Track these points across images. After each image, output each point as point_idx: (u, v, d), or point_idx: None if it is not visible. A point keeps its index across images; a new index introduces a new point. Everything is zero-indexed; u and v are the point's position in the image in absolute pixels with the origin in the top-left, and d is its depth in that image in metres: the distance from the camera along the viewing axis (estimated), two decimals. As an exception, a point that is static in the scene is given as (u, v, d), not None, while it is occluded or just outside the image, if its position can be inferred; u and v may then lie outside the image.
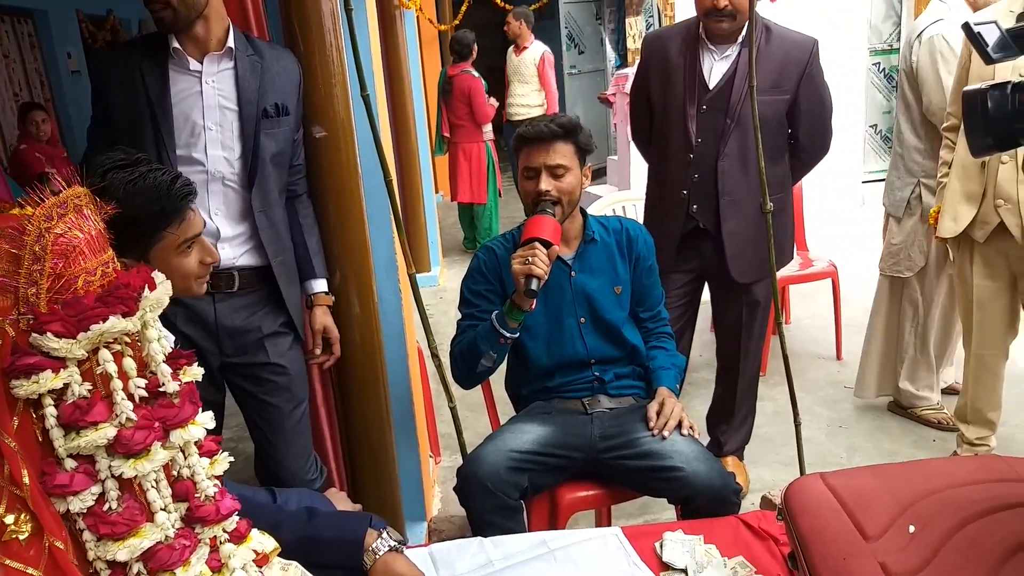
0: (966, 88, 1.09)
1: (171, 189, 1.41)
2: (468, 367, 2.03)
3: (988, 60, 1.04)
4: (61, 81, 6.29)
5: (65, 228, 0.89)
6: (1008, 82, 1.04)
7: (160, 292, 0.98)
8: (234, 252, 1.84)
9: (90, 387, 0.90)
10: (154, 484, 0.93)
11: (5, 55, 5.79)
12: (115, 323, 0.89)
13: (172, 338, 1.00)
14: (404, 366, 2.36)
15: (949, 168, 2.49)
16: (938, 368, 3.08)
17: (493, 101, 5.86)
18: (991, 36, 1.01)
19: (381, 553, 1.41)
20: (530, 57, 6.09)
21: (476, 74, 5.77)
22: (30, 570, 0.85)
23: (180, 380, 0.98)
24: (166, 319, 1.75)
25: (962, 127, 2.32)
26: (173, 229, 1.41)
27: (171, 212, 1.41)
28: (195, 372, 1.01)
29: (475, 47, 5.78)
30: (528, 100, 6.18)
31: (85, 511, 0.89)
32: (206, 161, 1.78)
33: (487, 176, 5.84)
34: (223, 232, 1.82)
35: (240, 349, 1.87)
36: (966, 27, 1.05)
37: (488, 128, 5.86)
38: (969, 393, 2.63)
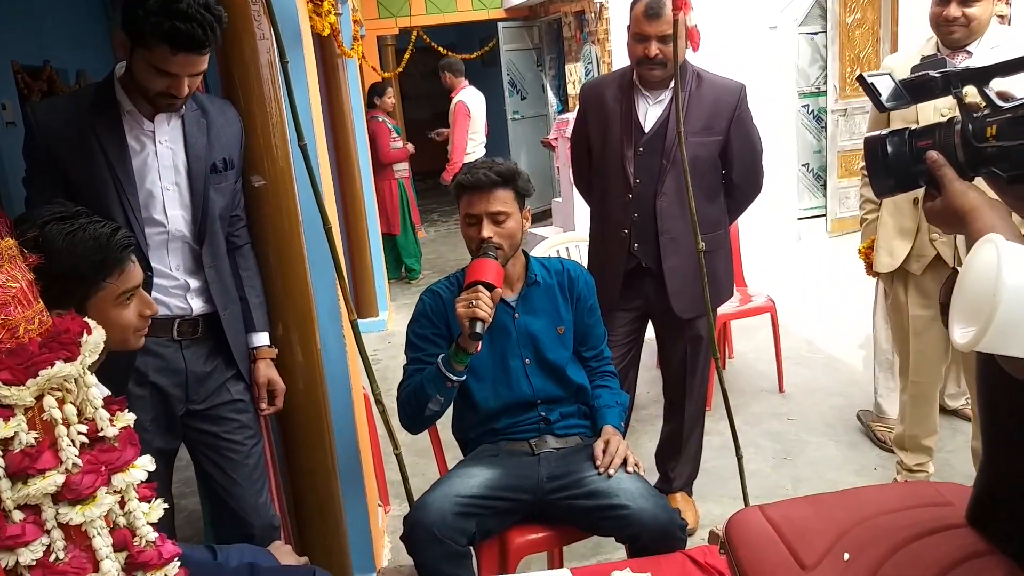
0: (867, 135, 1.15)
1: (111, 240, 1.43)
2: (415, 412, 2.02)
3: (882, 109, 1.10)
4: (-5, 133, 6.13)
5: (4, 279, 0.89)
6: (906, 128, 1.11)
7: (96, 337, 0.98)
8: (197, 303, 1.86)
9: (36, 435, 0.89)
10: (99, 531, 0.92)
11: (-64, 107, 5.63)
12: (61, 368, 0.90)
13: (104, 389, 1.00)
14: (350, 414, 2.34)
15: (875, 205, 2.58)
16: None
17: (410, 146, 6.43)
18: (884, 87, 1.07)
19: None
20: (453, 105, 6.36)
21: (382, 119, 6.21)
22: None
23: (115, 425, 0.98)
24: (138, 370, 1.76)
25: None
26: (113, 280, 1.43)
27: (111, 263, 1.43)
28: (128, 417, 1.01)
29: (384, 97, 6.28)
30: None
31: (34, 563, 0.87)
32: (167, 222, 1.79)
33: (399, 209, 6.38)
34: (190, 285, 1.85)
35: (206, 394, 1.89)
36: (860, 79, 1.11)
37: (402, 167, 6.40)
38: (906, 421, 2.70)
